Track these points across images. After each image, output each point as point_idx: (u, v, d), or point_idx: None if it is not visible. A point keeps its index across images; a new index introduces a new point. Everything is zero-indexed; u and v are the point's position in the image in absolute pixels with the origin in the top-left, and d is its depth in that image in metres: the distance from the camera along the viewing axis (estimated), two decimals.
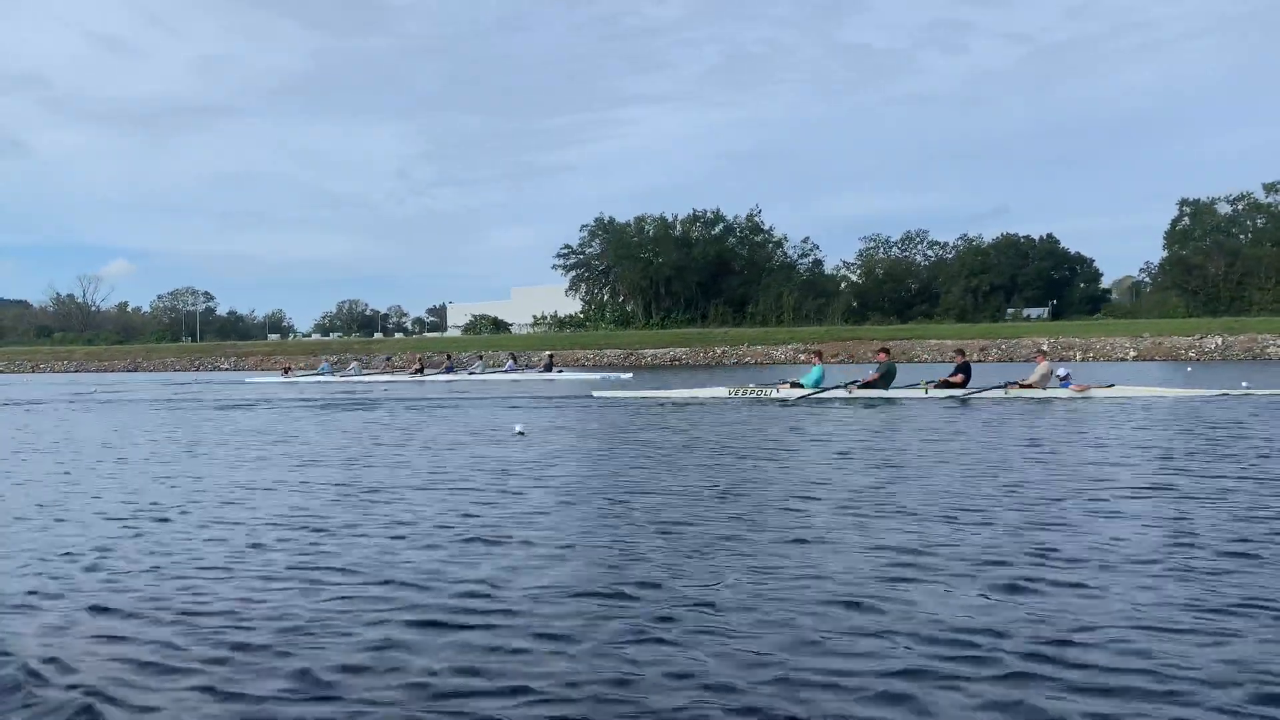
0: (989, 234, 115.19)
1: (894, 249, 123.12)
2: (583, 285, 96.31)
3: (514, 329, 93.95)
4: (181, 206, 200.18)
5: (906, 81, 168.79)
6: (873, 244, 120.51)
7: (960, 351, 23.57)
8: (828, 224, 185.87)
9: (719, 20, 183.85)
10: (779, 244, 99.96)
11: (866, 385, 20.71)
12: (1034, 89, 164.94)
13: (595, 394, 23.15)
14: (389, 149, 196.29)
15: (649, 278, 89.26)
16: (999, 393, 20.01)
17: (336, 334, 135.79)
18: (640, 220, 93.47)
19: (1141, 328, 54.18)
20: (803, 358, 60.48)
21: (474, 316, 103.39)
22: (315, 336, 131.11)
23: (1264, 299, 69.25)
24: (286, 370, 45.28)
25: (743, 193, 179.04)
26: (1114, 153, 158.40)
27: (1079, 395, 19.47)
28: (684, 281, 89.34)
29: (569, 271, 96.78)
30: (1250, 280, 71.49)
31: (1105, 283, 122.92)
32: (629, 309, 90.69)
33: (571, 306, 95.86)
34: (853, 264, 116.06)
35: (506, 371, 38.95)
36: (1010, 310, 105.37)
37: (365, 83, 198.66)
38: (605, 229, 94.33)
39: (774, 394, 20.83)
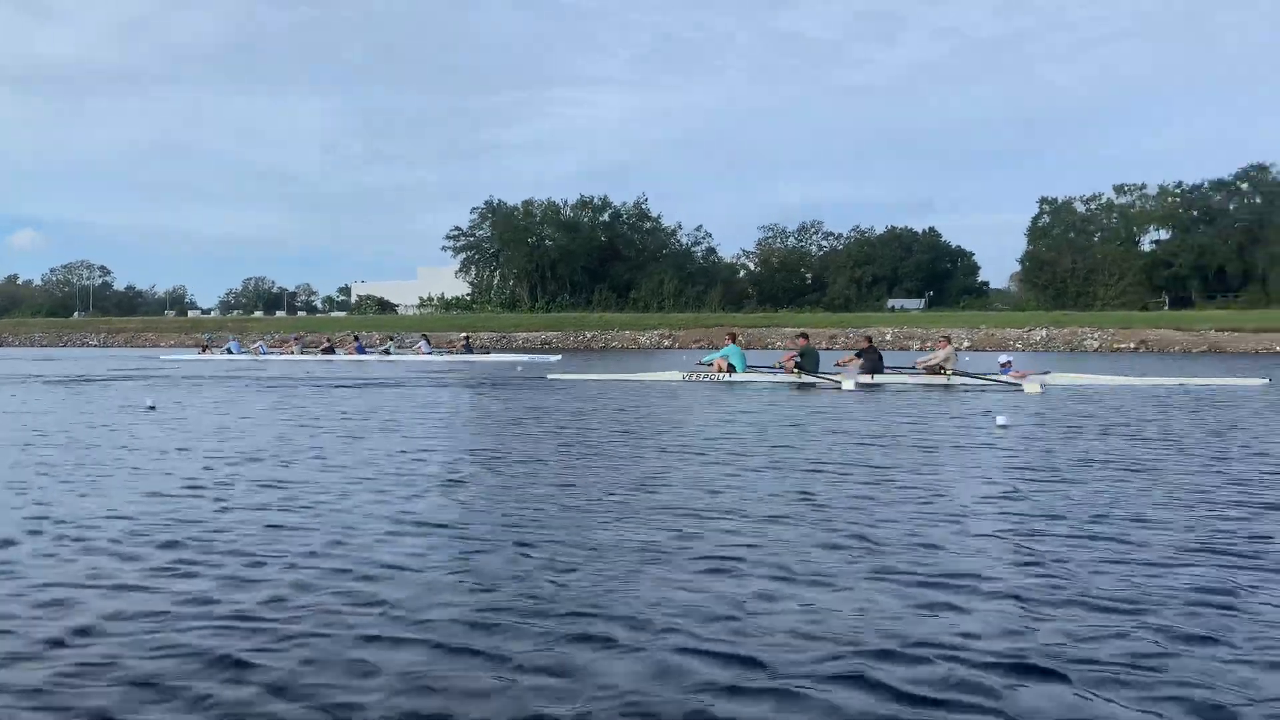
0: (918, 226, 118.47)
1: (790, 239, 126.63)
2: (473, 268, 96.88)
3: (400, 310, 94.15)
4: (97, 176, 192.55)
5: (840, 72, 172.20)
6: (770, 234, 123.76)
7: (867, 338, 23.84)
8: (762, 211, 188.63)
9: (656, 4, 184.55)
10: (672, 233, 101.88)
11: (797, 368, 20.98)
12: (963, 83, 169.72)
13: (550, 376, 23.18)
14: (317, 123, 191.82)
15: (535, 261, 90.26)
16: (908, 375, 20.61)
17: (236, 312, 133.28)
18: (528, 204, 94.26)
19: (979, 320, 57.35)
20: (667, 343, 62.63)
21: (360, 297, 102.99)
22: (215, 314, 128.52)
23: (1107, 294, 73.63)
24: (204, 349, 44.70)
25: (676, 177, 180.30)
26: (1033, 148, 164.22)
27: (1016, 381, 19.68)
28: (570, 266, 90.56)
29: (458, 254, 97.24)
30: (1096, 277, 75.89)
31: (984, 275, 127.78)
32: (516, 292, 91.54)
33: (464, 289, 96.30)
34: (751, 253, 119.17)
35: (425, 354, 38.32)
36: (891, 300, 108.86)
37: (294, 53, 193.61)
38: (494, 211, 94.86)
39: (722, 377, 21.03)
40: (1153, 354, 46.54)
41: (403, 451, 9.56)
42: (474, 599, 4.42)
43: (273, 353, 42.29)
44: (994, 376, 19.77)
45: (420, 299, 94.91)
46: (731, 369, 21.29)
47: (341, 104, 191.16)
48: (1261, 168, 76.07)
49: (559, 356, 37.39)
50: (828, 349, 54.99)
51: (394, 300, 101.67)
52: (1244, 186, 77.42)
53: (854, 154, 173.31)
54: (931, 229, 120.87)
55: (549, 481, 7.69)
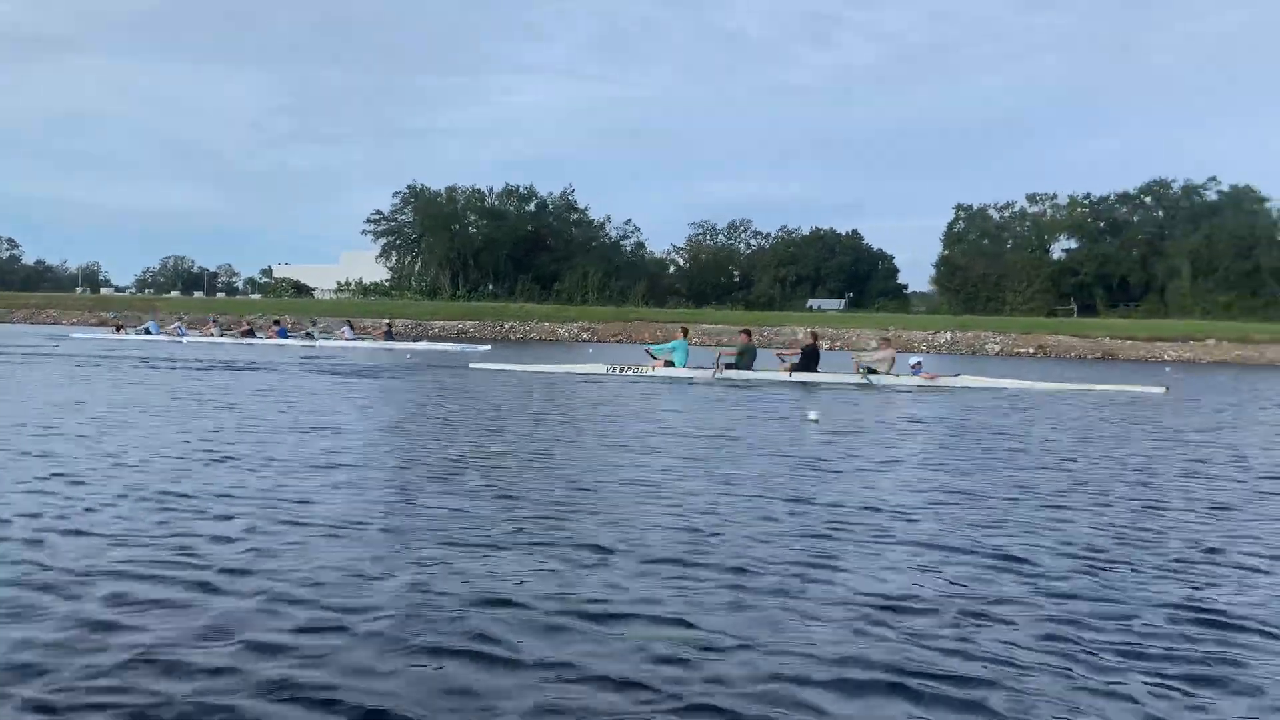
0: (843, 228, 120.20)
1: (720, 237, 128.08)
2: (393, 253, 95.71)
3: (317, 294, 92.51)
4: (9, 144, 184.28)
5: (777, 72, 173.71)
6: (700, 231, 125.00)
7: (813, 334, 24.36)
8: (694, 206, 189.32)
9: None
10: (600, 226, 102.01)
11: (731, 366, 21.31)
12: (894, 88, 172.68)
13: (473, 366, 23.14)
14: (244, 98, 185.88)
15: (457, 249, 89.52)
16: (853, 376, 20.72)
17: (150, 290, 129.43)
18: (451, 190, 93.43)
19: (889, 321, 58.64)
20: (585, 336, 62.74)
21: (276, 279, 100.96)
22: (130, 292, 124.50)
23: (1015, 300, 75.94)
24: (118, 328, 43.36)
25: (610, 169, 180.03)
26: (959, 155, 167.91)
27: (927, 383, 20.37)
28: (494, 255, 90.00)
29: (378, 238, 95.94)
30: (1006, 283, 78.22)
31: (906, 278, 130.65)
32: (437, 279, 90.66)
33: (386, 274, 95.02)
34: (681, 249, 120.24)
35: (348, 340, 37.72)
36: (812, 300, 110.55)
37: (222, 25, 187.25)
38: (417, 196, 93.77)
39: (648, 371, 21.26)
40: (1050, 359, 48.20)
41: (295, 441, 9.57)
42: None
43: (191, 334, 41.42)
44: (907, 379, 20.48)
45: (338, 283, 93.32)
46: (670, 364, 21.50)
47: (271, 80, 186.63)
48: (1163, 183, 79.35)
49: (488, 347, 36.96)
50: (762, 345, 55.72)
51: (314, 284, 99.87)
52: (1147, 200, 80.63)
53: (786, 153, 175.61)
54: (854, 231, 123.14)
55: (419, 472, 7.85)
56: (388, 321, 46.80)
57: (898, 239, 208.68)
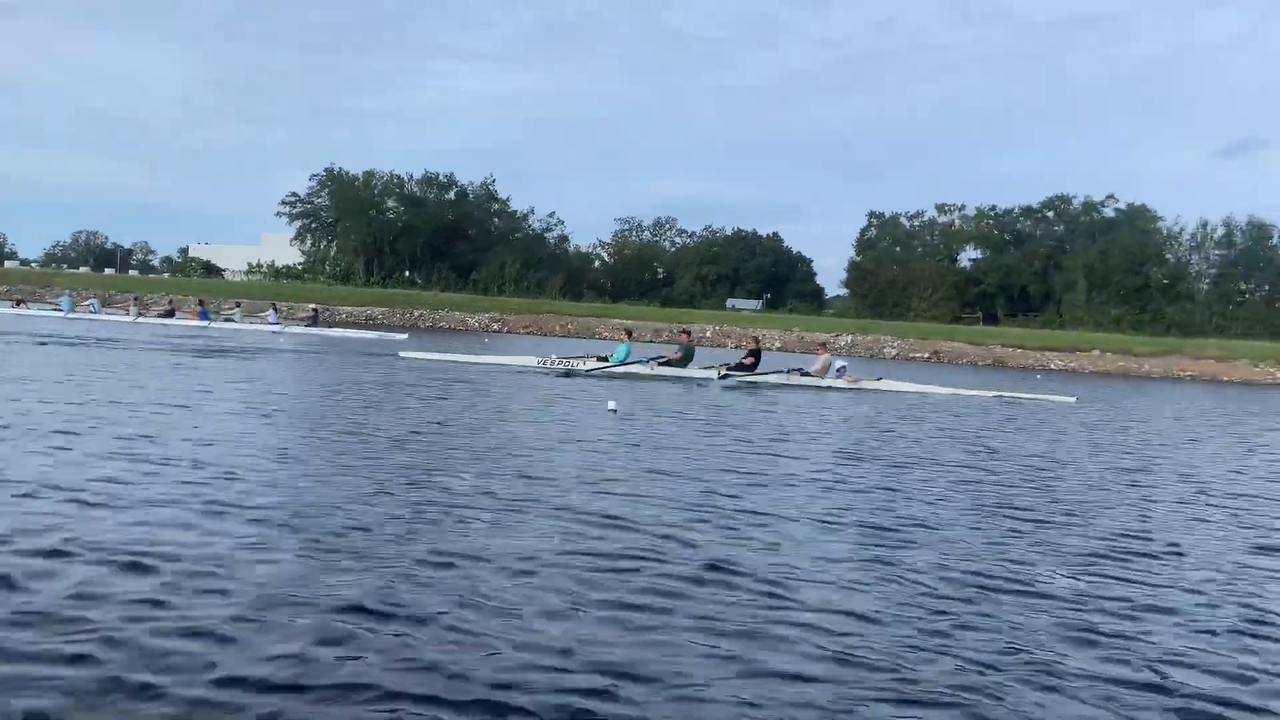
0: (764, 230, 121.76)
1: (645, 234, 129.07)
2: (309, 237, 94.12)
3: (227, 275, 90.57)
4: None
5: (721, 72, 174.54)
6: (626, 227, 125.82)
7: (755, 339, 24.79)
8: (630, 201, 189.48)
9: None
10: (523, 217, 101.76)
11: (666, 364, 21.48)
12: (835, 95, 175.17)
13: (403, 354, 23.02)
14: (174, 73, 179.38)
15: (373, 234, 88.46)
16: (782, 378, 21.04)
17: (56, 265, 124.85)
18: (369, 175, 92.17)
19: (792, 322, 59.83)
20: (496, 326, 62.70)
21: (187, 259, 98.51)
22: (34, 266, 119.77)
23: (921, 306, 78.03)
24: (19, 302, 41.86)
25: (547, 160, 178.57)
26: (892, 162, 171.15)
27: (850, 386, 20.71)
28: (411, 242, 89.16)
29: (294, 220, 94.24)
30: (912, 289, 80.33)
31: (828, 281, 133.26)
32: (352, 265, 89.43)
33: (299, 257, 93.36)
34: (607, 244, 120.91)
35: (271, 324, 37.55)
36: (731, 300, 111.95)
37: None
38: (334, 179, 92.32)
39: (580, 366, 21.28)
40: (944, 364, 49.76)
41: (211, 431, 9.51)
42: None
43: (106, 312, 40.31)
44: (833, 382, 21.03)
45: (249, 265, 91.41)
46: (604, 359, 21.69)
47: (202, 55, 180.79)
48: (1064, 199, 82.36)
49: (405, 335, 36.75)
50: (651, 341, 56.39)
51: (233, 265, 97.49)
52: (1050, 214, 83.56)
53: (725, 154, 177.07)
54: (775, 234, 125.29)
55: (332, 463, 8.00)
56: (314, 307, 46.36)
57: (826, 242, 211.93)
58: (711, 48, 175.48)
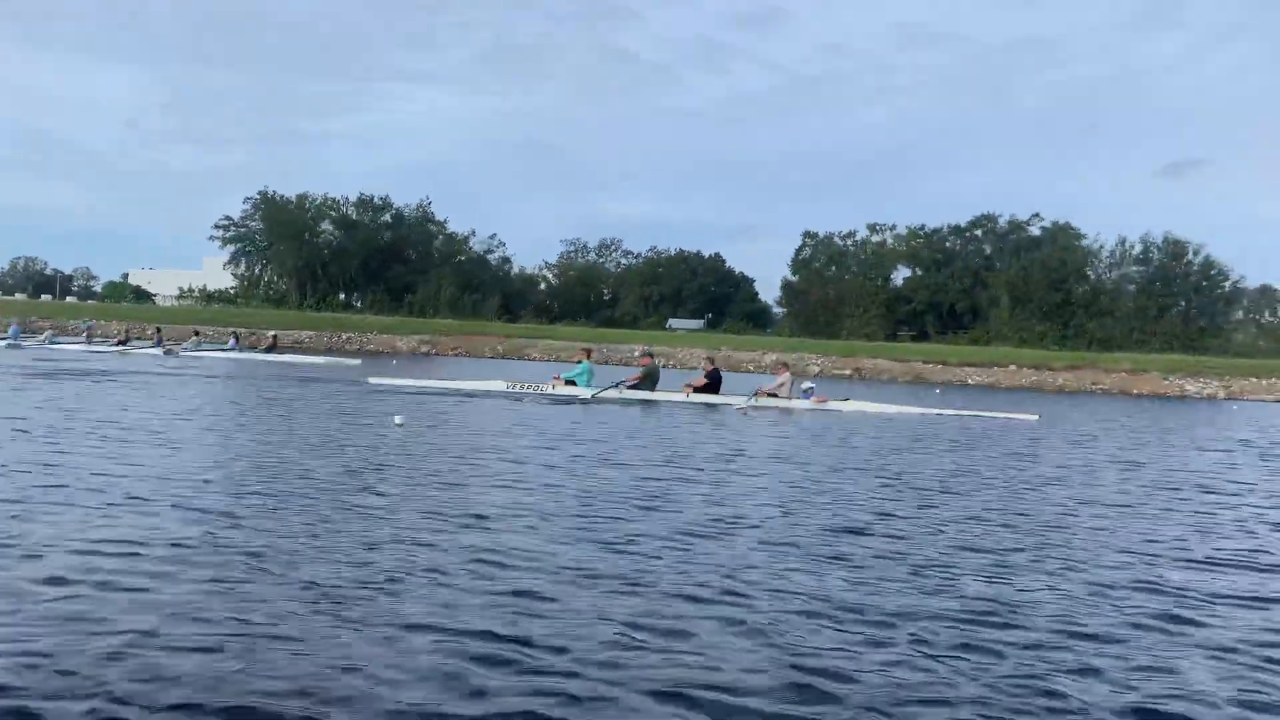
0: (737, 250, 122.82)
1: (591, 255, 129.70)
2: (243, 260, 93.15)
3: (158, 300, 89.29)
4: None
5: (671, 94, 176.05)
6: (572, 248, 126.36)
7: (710, 359, 24.46)
8: (581, 223, 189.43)
9: (492, 6, 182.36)
10: (464, 239, 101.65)
11: (633, 387, 21.36)
12: (786, 116, 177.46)
13: (372, 380, 22.51)
14: (120, 94, 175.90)
15: (305, 258, 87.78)
16: (745, 400, 20.85)
17: None
18: (303, 198, 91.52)
19: (721, 341, 60.35)
20: (425, 349, 62.41)
21: (118, 284, 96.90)
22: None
23: (853, 325, 79.11)
24: None
25: (498, 182, 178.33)
26: (846, 183, 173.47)
27: (817, 407, 20.50)
28: (344, 266, 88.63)
29: (226, 244, 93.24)
30: (843, 308, 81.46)
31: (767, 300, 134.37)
32: (286, 289, 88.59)
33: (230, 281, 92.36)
34: (552, 266, 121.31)
35: (228, 350, 37.15)
36: (673, 320, 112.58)
37: (96, 18, 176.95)
38: (267, 202, 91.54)
39: (549, 390, 21.09)
40: (865, 381, 50.47)
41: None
42: None
43: (61, 341, 39.43)
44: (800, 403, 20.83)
45: (179, 290, 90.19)
46: (571, 383, 21.38)
47: (150, 77, 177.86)
48: (990, 217, 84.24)
49: (358, 362, 35.84)
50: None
51: (168, 290, 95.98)
52: (978, 233, 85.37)
53: (676, 175, 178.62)
54: (717, 254, 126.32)
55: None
56: (274, 334, 45.87)
57: (775, 262, 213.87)
58: (662, 71, 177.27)
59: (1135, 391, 50.49)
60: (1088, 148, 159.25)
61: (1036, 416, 22.16)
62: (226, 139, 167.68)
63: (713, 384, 21.65)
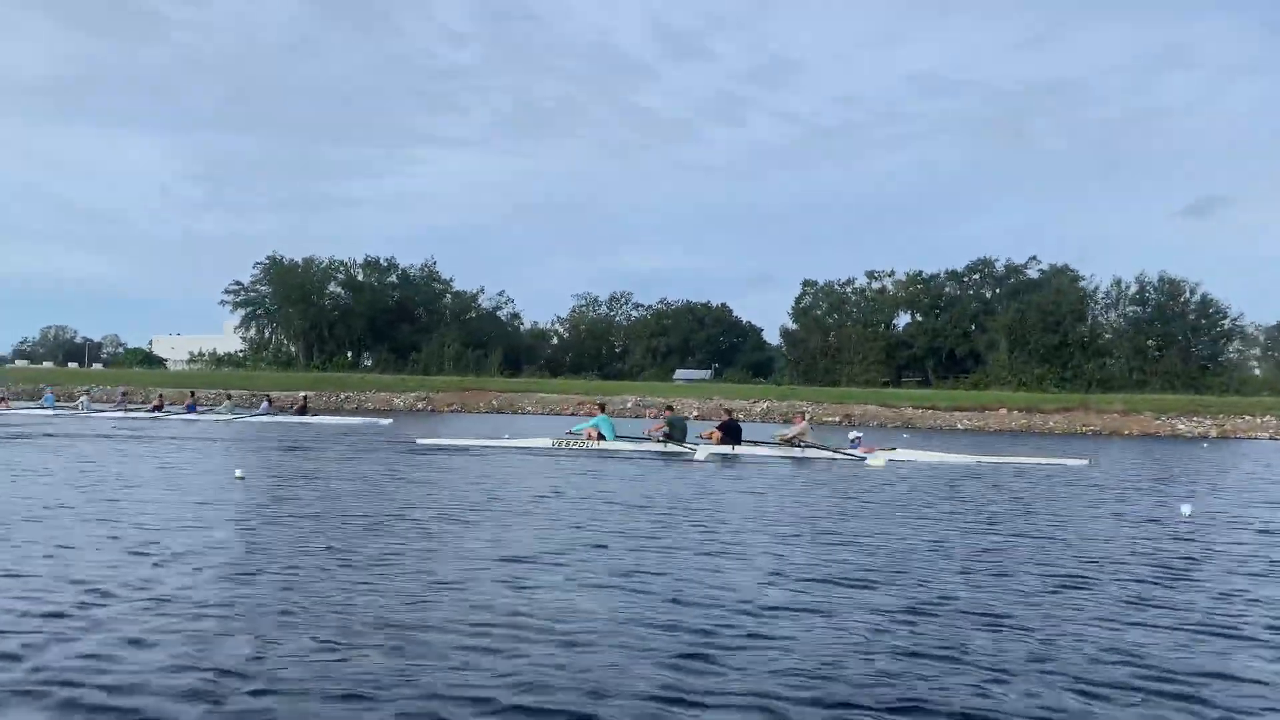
0: (757, 300, 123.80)
1: (602, 308, 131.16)
2: (253, 324, 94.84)
3: (169, 365, 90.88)
4: None
5: (689, 149, 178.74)
6: (583, 302, 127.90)
7: (727, 410, 24.53)
8: (603, 277, 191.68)
9: (513, 71, 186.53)
10: (474, 297, 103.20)
11: (666, 438, 21.48)
12: (803, 166, 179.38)
13: (420, 441, 22.91)
14: (153, 165, 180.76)
15: (311, 320, 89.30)
16: (772, 449, 20.87)
17: (23, 361, 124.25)
18: (309, 261, 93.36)
19: (713, 390, 60.69)
20: (421, 405, 63.15)
21: (123, 350, 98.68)
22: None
23: (851, 372, 79.21)
24: (1, 400, 42.47)
25: (530, 240, 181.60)
26: (864, 231, 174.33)
27: (865, 456, 20.12)
28: (350, 326, 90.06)
29: (236, 309, 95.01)
30: (842, 355, 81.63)
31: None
32: (292, 350, 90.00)
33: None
34: (564, 320, 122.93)
35: (259, 414, 37.68)
36: (680, 371, 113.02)
37: (129, 92, 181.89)
38: (275, 266, 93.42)
39: (591, 445, 21.49)
40: (855, 426, 50.57)
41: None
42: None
43: (97, 408, 40.50)
44: (844, 450, 20.77)
45: (190, 354, 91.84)
46: (601, 437, 21.78)
47: (182, 147, 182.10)
48: (987, 261, 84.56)
49: (389, 421, 36.29)
50: (573, 415, 57.03)
51: (188, 354, 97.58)
52: (975, 278, 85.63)
53: (696, 228, 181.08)
54: (723, 304, 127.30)
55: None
56: (305, 396, 46.58)
57: (778, 312, 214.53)
58: (680, 127, 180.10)
59: (1126, 432, 50.24)
60: (1108, 189, 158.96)
61: (1086, 461, 21.88)
62: (256, 205, 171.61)
63: (730, 434, 21.58)
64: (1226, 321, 73.43)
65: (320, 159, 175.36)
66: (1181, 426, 50.83)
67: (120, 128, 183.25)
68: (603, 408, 24.99)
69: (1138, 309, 74.71)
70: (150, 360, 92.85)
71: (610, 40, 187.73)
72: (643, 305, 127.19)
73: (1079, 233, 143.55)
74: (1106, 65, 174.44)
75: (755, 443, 21.90)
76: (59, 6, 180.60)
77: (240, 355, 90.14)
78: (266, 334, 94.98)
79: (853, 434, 21.96)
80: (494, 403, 61.88)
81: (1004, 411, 53.51)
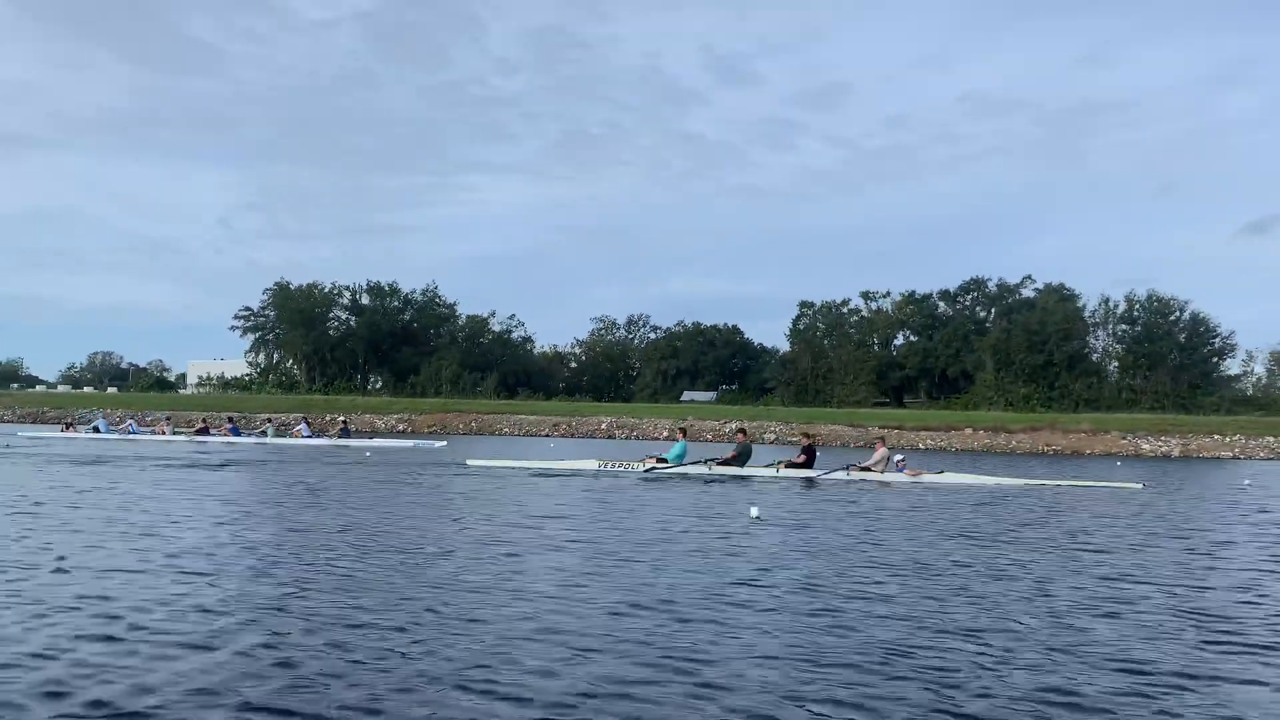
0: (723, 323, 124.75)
1: (620, 332, 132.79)
2: (262, 349, 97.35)
3: (181, 390, 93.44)
4: None
5: (739, 173, 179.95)
6: (601, 325, 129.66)
7: (806, 435, 24.50)
8: (659, 302, 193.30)
9: (562, 99, 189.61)
10: (484, 321, 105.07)
11: (724, 463, 21.67)
12: (853, 189, 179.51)
13: (470, 463, 23.30)
14: (212, 196, 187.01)
15: (314, 344, 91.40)
16: (841, 474, 20.70)
17: (66, 386, 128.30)
18: (313, 287, 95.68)
19: (688, 411, 61.24)
20: (402, 427, 64.40)
21: (140, 373, 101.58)
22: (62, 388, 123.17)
23: (842, 393, 79.23)
24: (68, 425, 43.99)
25: (577, 268, 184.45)
26: (917, 252, 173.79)
27: (911, 479, 20.31)
28: (350, 350, 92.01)
29: (245, 334, 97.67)
30: (833, 376, 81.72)
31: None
32: (295, 373, 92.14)
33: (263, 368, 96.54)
34: (583, 342, 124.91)
35: (306, 437, 38.20)
36: (688, 393, 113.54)
37: (189, 125, 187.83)
38: (281, 291, 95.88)
39: (639, 468, 21.52)
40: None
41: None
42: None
43: (143, 432, 41.82)
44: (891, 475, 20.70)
45: (199, 378, 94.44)
46: (663, 460, 21.88)
47: (239, 178, 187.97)
48: (979, 281, 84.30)
49: (444, 443, 36.05)
50: (547, 435, 57.92)
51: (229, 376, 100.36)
52: (968, 298, 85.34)
53: (745, 252, 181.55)
54: (734, 326, 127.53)
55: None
56: (344, 419, 47.98)
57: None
58: (729, 151, 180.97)
59: (1087, 451, 49.96)
60: (1165, 209, 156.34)
61: (1141, 485, 21.55)
62: (312, 234, 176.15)
63: (808, 459, 21.65)
64: (1217, 340, 72.54)
65: (374, 187, 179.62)
66: (1145, 446, 50.46)
67: (182, 160, 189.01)
68: (684, 433, 25.24)
69: (1126, 327, 74.07)
70: (161, 384, 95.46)
71: (659, 66, 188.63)
72: (660, 328, 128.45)
73: (1135, 253, 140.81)
74: (1161, 84, 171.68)
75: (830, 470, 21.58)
76: (123, 43, 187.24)
77: (246, 379, 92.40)
78: (275, 358, 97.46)
79: (897, 456, 21.82)
80: (473, 425, 62.95)
81: (969, 431, 53.44)
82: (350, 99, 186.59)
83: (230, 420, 43.92)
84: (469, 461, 23.63)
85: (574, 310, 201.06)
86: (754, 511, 12.80)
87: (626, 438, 57.31)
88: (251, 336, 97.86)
